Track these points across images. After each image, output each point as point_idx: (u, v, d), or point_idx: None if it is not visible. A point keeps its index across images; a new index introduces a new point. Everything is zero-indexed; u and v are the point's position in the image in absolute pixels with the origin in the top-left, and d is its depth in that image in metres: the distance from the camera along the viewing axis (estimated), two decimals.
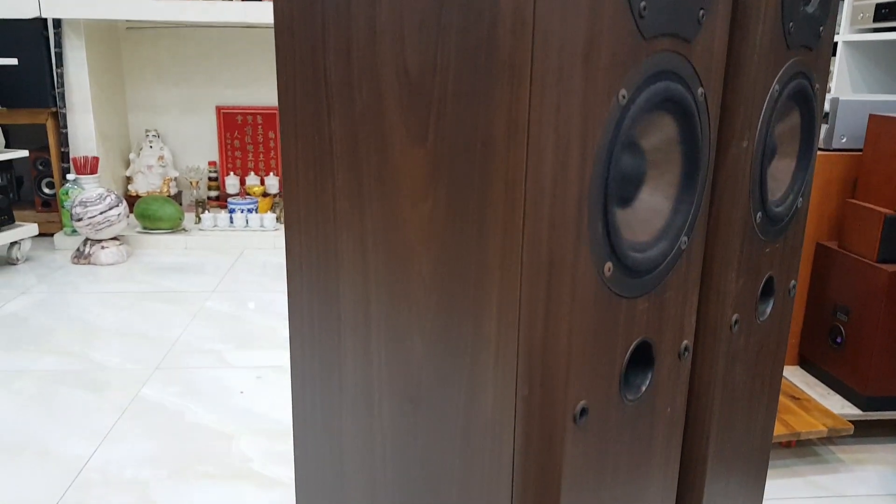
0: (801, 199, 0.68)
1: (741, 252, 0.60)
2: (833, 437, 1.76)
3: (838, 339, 1.73)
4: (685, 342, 0.55)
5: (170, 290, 2.76)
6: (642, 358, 0.52)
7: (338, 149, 0.54)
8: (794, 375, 1.86)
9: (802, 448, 1.71)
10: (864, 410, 1.67)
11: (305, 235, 0.59)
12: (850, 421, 1.62)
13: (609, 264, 0.45)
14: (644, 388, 0.51)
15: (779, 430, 1.57)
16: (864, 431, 1.79)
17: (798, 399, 1.70)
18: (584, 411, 0.45)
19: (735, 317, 0.62)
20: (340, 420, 0.58)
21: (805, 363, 1.89)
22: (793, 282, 0.71)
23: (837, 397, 1.74)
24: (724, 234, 0.59)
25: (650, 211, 0.49)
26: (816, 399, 1.71)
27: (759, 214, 0.61)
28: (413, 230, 0.50)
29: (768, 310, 0.67)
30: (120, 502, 1.43)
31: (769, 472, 1.61)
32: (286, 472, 1.59)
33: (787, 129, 0.65)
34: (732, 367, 0.64)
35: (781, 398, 1.71)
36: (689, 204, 0.51)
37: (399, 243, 0.51)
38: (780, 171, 0.66)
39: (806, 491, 1.53)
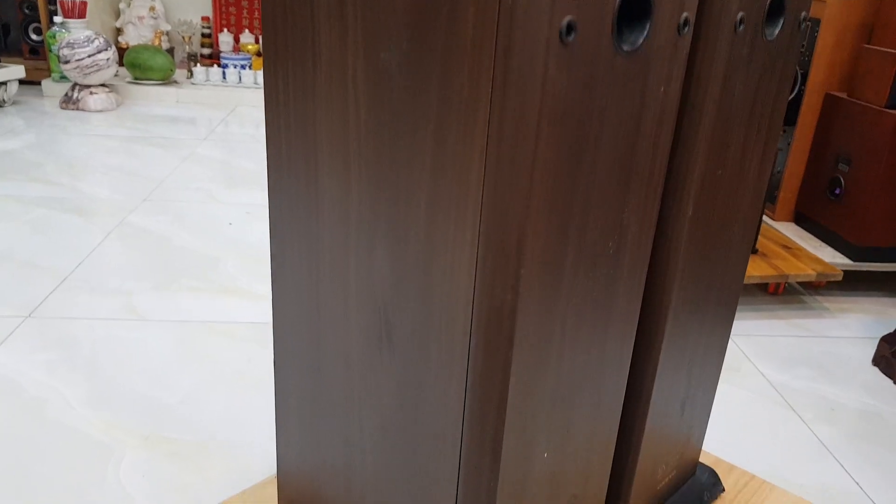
0: None
1: None
2: (820, 288, 1.76)
3: (837, 191, 1.70)
4: (685, 14, 0.51)
5: (160, 137, 2.70)
6: (640, 12, 0.47)
7: None
8: (787, 230, 1.84)
9: (789, 296, 1.71)
10: (854, 261, 1.66)
11: None
12: (840, 270, 1.61)
13: None
14: (640, 43, 0.47)
15: (767, 271, 1.56)
16: (851, 285, 1.79)
17: (790, 248, 1.69)
18: (570, 28, 0.42)
19: (741, 15, 0.57)
20: (314, 95, 0.55)
21: (800, 219, 1.87)
22: (804, 13, 0.67)
23: (829, 249, 1.73)
24: None
25: None
26: (808, 249, 1.70)
27: None
28: None
29: (776, 31, 0.63)
30: (104, 307, 1.43)
31: (752, 313, 1.61)
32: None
33: None
34: (732, 78, 0.60)
35: (772, 246, 1.70)
36: None
37: None
38: None
39: (788, 331, 1.54)
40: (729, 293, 0.74)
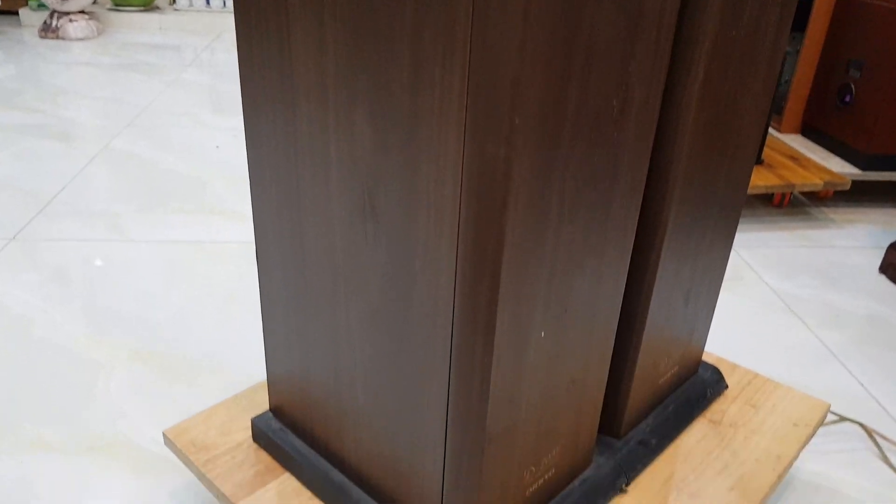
0: None
1: None
2: (826, 200, 1.72)
3: (847, 98, 1.64)
4: None
5: (143, 63, 2.61)
6: None
7: None
8: (794, 142, 1.78)
9: (794, 208, 1.67)
10: (863, 170, 1.61)
11: None
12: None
13: None
14: None
15: (772, 181, 1.51)
16: (858, 196, 1.74)
17: (796, 159, 1.64)
18: None
19: None
20: None
21: (807, 131, 1.81)
22: None
23: (837, 159, 1.68)
24: None
25: None
26: (815, 160, 1.65)
27: None
28: None
29: None
30: (89, 229, 1.39)
31: (755, 225, 1.57)
32: None
33: None
34: None
35: (778, 157, 1.65)
36: None
37: None
38: None
39: (792, 242, 1.50)
40: (738, 179, 0.70)
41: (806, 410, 0.82)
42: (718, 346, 1.11)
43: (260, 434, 0.72)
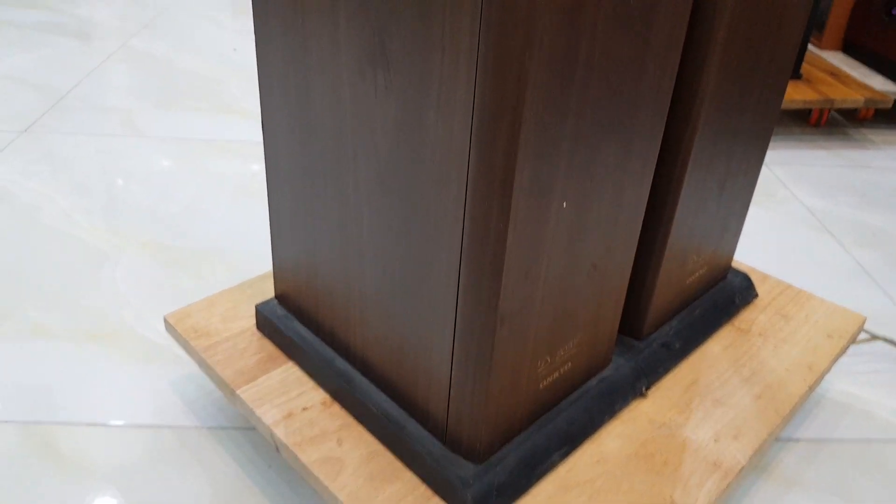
0: None
1: None
2: (865, 120, 1.63)
3: (893, 10, 1.53)
4: None
5: None
6: None
7: None
8: (835, 59, 1.68)
9: (833, 128, 1.59)
10: None
11: None
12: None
13: None
14: None
15: (811, 96, 1.43)
16: None
17: (836, 75, 1.55)
18: None
19: None
20: None
21: (849, 48, 1.70)
22: None
23: (880, 77, 1.58)
24: None
25: None
26: (856, 77, 1.56)
27: None
28: None
29: None
30: (102, 123, 1.36)
31: (791, 143, 1.50)
32: None
33: None
34: None
35: (818, 73, 1.55)
36: None
37: None
38: None
39: (829, 161, 1.43)
40: (781, 63, 0.64)
41: (841, 322, 0.78)
42: (749, 260, 1.07)
43: (264, 321, 0.70)
